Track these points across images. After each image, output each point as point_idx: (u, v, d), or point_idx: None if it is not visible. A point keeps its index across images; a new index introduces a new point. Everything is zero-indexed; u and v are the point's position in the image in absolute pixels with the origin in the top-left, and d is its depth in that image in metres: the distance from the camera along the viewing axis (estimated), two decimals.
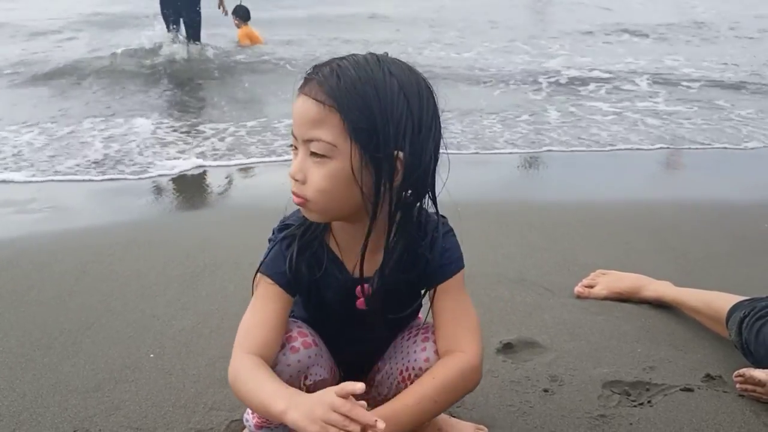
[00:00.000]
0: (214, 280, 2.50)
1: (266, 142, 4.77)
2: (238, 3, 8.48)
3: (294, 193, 1.31)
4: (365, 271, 1.39)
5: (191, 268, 2.62)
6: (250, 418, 1.57)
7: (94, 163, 4.34)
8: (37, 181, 4.00)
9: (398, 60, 1.31)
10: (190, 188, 4.04)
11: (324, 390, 1.19)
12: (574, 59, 7.92)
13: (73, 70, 7.23)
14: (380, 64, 1.26)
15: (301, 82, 1.29)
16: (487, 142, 4.83)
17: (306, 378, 1.42)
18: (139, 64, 7.47)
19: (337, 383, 1.21)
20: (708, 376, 1.94)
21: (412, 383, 1.41)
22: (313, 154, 1.26)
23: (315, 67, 1.30)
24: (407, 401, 1.34)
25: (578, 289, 2.46)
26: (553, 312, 2.33)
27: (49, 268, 2.65)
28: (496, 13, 11.71)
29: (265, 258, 1.42)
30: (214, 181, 4.15)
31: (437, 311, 1.43)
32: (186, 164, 4.31)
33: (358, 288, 1.41)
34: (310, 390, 1.39)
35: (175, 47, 7.82)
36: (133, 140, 4.83)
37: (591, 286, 2.47)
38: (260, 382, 1.28)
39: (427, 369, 1.41)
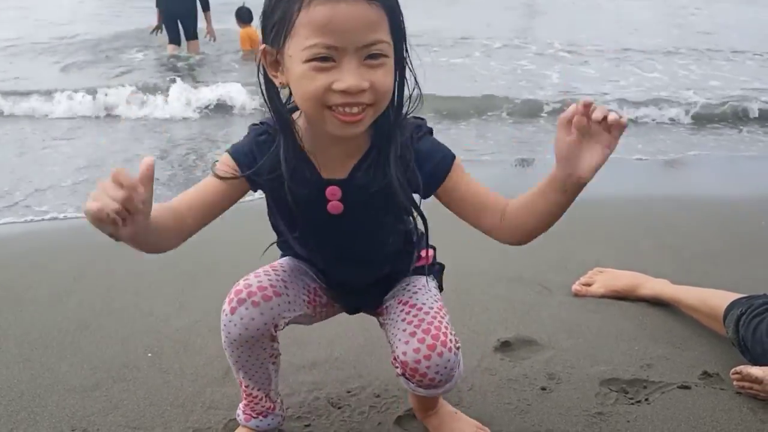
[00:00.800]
0: (211, 280, 2.50)
1: None
2: (242, 4, 8.42)
3: (353, 105, 1.21)
4: (334, 175, 1.37)
5: (189, 267, 2.62)
6: (240, 412, 1.64)
7: None
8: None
9: None
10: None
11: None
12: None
13: None
14: None
15: None
16: None
17: (276, 326, 1.47)
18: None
19: (323, 304, 1.45)
20: (705, 373, 1.95)
21: (392, 362, 1.46)
22: (371, 56, 1.20)
23: None
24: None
25: (575, 287, 2.47)
26: (550, 310, 2.33)
27: (47, 268, 2.65)
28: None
29: (234, 145, 1.41)
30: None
31: (462, 204, 1.39)
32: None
33: (329, 189, 1.37)
34: (286, 326, 1.50)
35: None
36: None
37: (588, 285, 2.47)
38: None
39: (403, 361, 1.41)
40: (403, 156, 1.34)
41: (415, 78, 1.33)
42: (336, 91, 1.20)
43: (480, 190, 1.39)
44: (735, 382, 1.87)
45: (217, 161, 1.40)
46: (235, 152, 1.39)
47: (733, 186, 3.85)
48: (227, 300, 1.45)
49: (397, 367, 1.46)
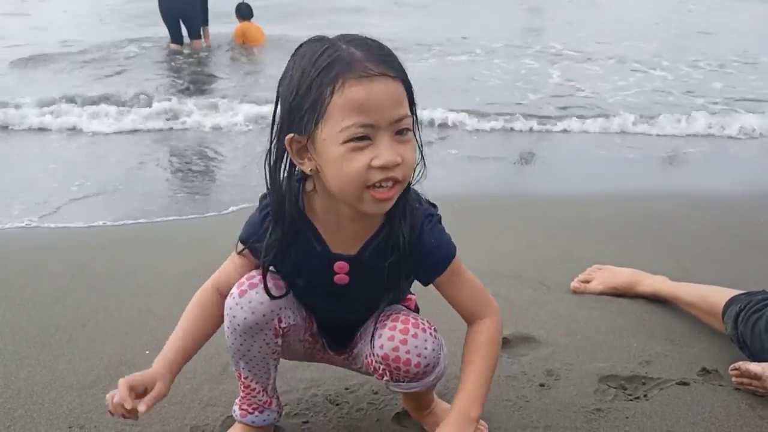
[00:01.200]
0: (209, 277, 2.48)
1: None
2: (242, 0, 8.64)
3: (389, 180, 1.26)
4: (343, 250, 1.43)
5: (187, 265, 2.61)
6: (236, 408, 1.65)
7: None
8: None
9: None
10: (187, 184, 4.03)
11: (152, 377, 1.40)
12: None
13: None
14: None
15: (352, 66, 1.22)
16: None
17: (281, 321, 1.48)
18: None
19: (312, 335, 1.55)
20: (704, 369, 1.94)
21: (374, 368, 1.49)
22: (400, 132, 1.26)
23: (341, 45, 1.25)
24: (476, 379, 1.46)
25: (574, 284, 2.47)
26: (549, 307, 2.33)
27: (45, 267, 2.65)
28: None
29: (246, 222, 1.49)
30: (212, 177, 4.15)
31: (449, 299, 1.51)
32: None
33: (337, 264, 1.44)
34: (285, 333, 1.50)
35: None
36: None
37: (587, 281, 2.47)
38: (180, 325, 1.54)
39: (382, 354, 1.44)
40: (411, 241, 1.39)
41: (420, 150, 1.36)
42: (375, 168, 1.24)
43: (461, 300, 1.50)
44: (734, 379, 1.87)
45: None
46: (247, 240, 1.48)
47: (732, 183, 3.85)
48: (236, 284, 1.47)
49: (379, 368, 1.47)
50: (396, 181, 1.28)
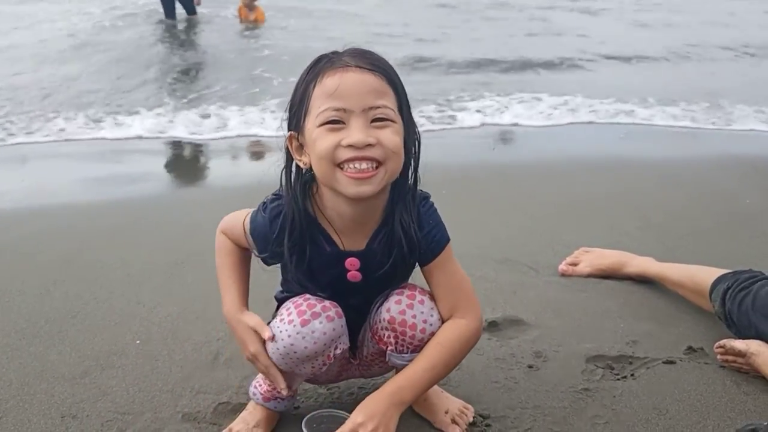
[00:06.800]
0: (199, 267, 2.49)
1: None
2: None
3: (362, 160, 1.31)
4: (353, 246, 1.47)
5: (176, 255, 2.62)
6: (258, 390, 1.63)
7: None
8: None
9: None
10: (174, 170, 4.02)
11: (246, 321, 1.50)
12: None
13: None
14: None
15: (333, 62, 1.35)
16: None
17: (336, 348, 1.49)
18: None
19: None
20: (690, 348, 1.97)
21: (379, 337, 1.52)
22: (377, 120, 1.33)
23: (337, 53, 1.38)
24: (424, 366, 1.47)
25: (562, 267, 2.49)
26: (537, 290, 2.35)
27: (33, 258, 2.64)
28: None
29: (253, 218, 1.51)
30: (199, 161, 4.14)
31: (434, 286, 1.52)
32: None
33: (348, 260, 1.47)
34: (338, 359, 1.51)
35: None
36: None
37: (575, 264, 2.49)
38: (227, 278, 1.56)
39: (389, 318, 1.48)
40: (411, 227, 1.45)
41: (416, 152, 1.45)
42: (344, 146, 1.31)
43: (448, 290, 1.52)
44: (719, 356, 1.90)
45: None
46: (257, 235, 1.50)
47: (718, 164, 3.87)
48: (296, 311, 1.45)
49: (384, 334, 1.50)
50: (377, 163, 1.33)
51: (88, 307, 2.25)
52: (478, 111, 5.10)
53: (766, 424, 1.49)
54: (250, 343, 1.50)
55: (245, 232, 1.51)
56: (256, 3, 8.83)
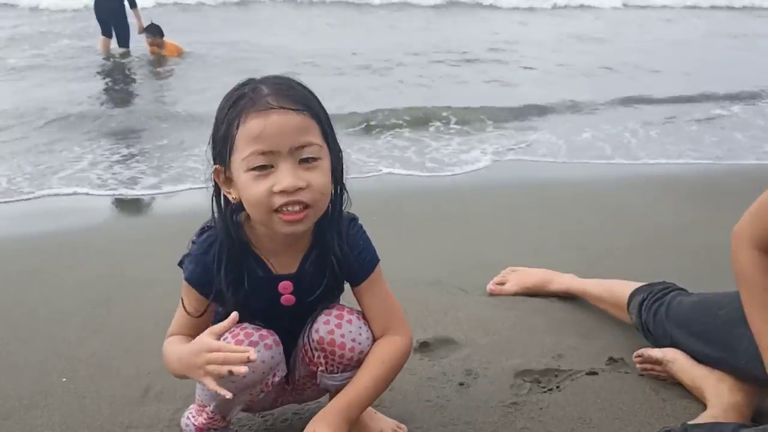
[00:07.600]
0: (125, 302, 2.45)
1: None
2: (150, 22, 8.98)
3: (294, 204, 1.35)
4: (285, 269, 1.49)
5: (102, 291, 2.56)
6: (191, 422, 1.59)
7: None
8: None
9: None
10: (98, 209, 3.92)
11: (200, 336, 1.40)
12: None
13: None
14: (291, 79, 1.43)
15: (255, 101, 1.34)
16: None
17: (274, 375, 1.50)
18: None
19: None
20: (611, 359, 2.06)
21: (309, 358, 1.53)
22: (304, 160, 1.35)
23: (255, 85, 1.38)
24: (366, 384, 1.48)
25: (490, 286, 2.56)
26: (467, 310, 2.41)
27: None
28: None
29: (186, 260, 1.50)
30: (123, 202, 4.05)
31: (365, 307, 1.56)
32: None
33: (281, 284, 1.49)
34: (275, 387, 1.51)
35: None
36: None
37: (502, 283, 2.56)
38: (173, 349, 1.48)
39: (318, 338, 1.49)
40: (341, 248, 1.48)
41: (340, 179, 1.48)
42: (276, 193, 1.33)
43: (379, 311, 1.55)
44: (638, 365, 1.99)
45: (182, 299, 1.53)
46: (194, 280, 1.49)
47: (631, 185, 4.07)
48: (233, 342, 1.43)
49: (314, 355, 1.51)
50: (305, 205, 1.36)
51: (9, 347, 2.18)
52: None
53: (680, 427, 1.57)
54: (200, 342, 1.39)
55: (185, 286, 1.50)
56: (164, 39, 8.90)
